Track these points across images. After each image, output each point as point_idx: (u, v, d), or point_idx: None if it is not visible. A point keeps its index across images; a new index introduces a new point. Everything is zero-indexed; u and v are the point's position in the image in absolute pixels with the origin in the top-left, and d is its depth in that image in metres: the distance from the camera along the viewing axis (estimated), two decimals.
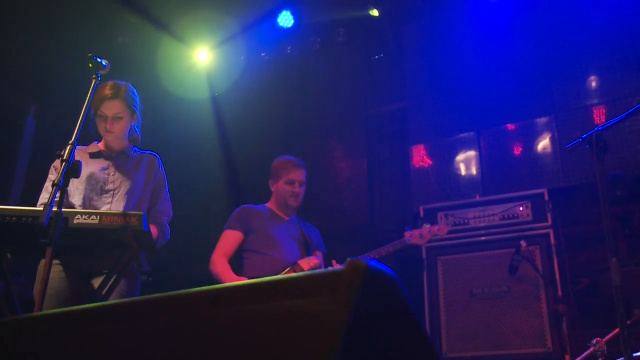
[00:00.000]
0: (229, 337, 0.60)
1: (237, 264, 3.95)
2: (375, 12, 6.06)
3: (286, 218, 4.05)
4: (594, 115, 4.95)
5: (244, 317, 0.60)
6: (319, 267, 3.77)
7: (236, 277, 3.73)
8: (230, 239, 3.91)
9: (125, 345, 0.72)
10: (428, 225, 4.10)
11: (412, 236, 4.04)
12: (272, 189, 4.10)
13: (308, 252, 3.94)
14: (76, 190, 3.11)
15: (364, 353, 0.55)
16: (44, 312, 2.29)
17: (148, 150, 3.45)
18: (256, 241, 3.87)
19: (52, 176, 3.18)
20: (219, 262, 3.79)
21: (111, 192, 3.16)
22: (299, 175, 4.02)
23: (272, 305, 0.59)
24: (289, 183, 3.98)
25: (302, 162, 4.10)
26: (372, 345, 0.56)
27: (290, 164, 4.04)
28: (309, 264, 3.74)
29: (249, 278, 3.63)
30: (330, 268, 0.62)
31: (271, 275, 3.48)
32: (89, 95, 2.69)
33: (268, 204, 4.12)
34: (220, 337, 0.61)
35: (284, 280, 0.62)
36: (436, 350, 0.64)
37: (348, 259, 0.60)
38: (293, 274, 0.65)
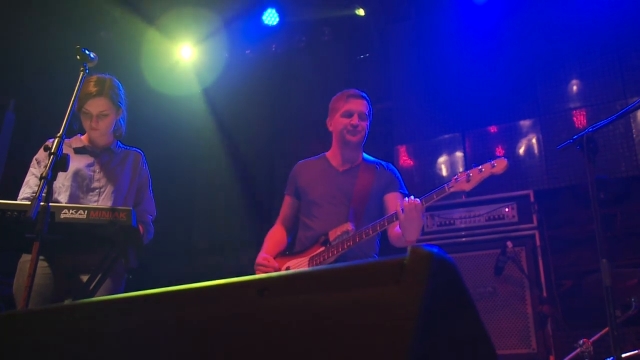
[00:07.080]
0: (275, 329, 0.56)
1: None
2: (361, 12, 6.04)
3: (341, 169, 3.39)
4: (577, 119, 5.00)
5: (293, 308, 0.56)
6: (349, 232, 3.10)
7: (269, 250, 3.34)
8: (286, 204, 3.50)
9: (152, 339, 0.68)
10: (481, 166, 2.97)
11: (458, 181, 2.98)
12: (331, 129, 3.44)
13: (348, 215, 3.27)
14: (62, 187, 3.03)
15: (434, 350, 0.51)
16: (28, 309, 2.22)
17: (133, 147, 3.37)
18: (303, 209, 3.39)
19: (34, 170, 3.09)
20: (271, 231, 3.44)
21: (97, 190, 3.09)
22: (358, 105, 3.28)
23: (329, 296, 0.55)
24: (345, 115, 3.28)
25: (364, 94, 3.38)
26: (440, 341, 0.53)
27: (347, 94, 3.35)
28: (335, 233, 3.14)
29: (293, 253, 3.31)
30: (389, 257, 0.55)
31: (307, 250, 3.20)
32: (76, 88, 2.61)
33: (328, 152, 3.52)
34: (267, 328, 0.57)
35: (337, 270, 0.58)
36: (494, 347, 0.61)
37: (409, 247, 0.56)
38: (347, 264, 0.60)
